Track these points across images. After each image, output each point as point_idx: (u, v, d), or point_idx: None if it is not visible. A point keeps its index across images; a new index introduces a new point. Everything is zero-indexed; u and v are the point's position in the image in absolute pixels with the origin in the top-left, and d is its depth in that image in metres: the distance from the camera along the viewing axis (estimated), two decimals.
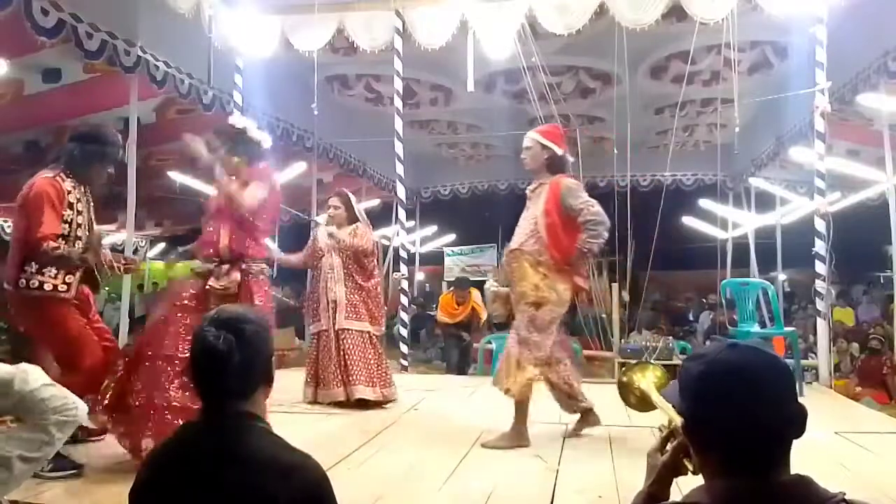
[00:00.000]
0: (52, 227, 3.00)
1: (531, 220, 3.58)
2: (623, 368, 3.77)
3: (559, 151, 3.61)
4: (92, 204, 3.27)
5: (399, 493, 2.78)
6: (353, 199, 4.89)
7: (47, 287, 3.06)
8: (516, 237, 3.63)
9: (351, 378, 4.45)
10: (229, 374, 1.48)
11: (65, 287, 3.10)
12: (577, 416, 3.69)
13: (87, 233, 3.19)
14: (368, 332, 4.61)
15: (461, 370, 7.99)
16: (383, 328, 4.88)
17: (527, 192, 3.77)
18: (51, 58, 5.41)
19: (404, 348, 6.42)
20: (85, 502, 2.60)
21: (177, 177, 8.14)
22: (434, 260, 14.36)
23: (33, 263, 3.04)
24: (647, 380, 3.25)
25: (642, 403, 3.32)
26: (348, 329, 4.54)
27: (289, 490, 1.39)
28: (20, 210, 3.10)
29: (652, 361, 3.95)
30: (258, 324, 1.57)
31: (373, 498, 2.66)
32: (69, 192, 3.10)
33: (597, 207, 3.42)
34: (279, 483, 1.40)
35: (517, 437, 3.45)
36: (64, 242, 3.05)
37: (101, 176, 3.27)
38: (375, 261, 4.85)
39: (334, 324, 4.54)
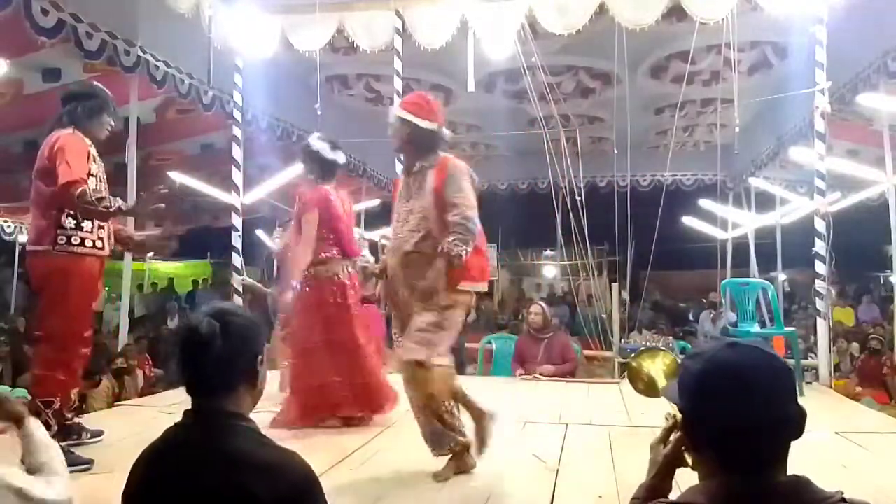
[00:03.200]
0: (82, 172, 2.95)
1: (419, 214, 2.95)
2: (633, 354, 3.74)
3: (423, 124, 2.95)
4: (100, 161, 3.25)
5: (399, 493, 2.78)
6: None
7: (87, 244, 3.04)
8: (404, 237, 2.97)
9: None
10: (208, 359, 1.49)
11: (101, 244, 3.10)
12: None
13: (106, 188, 3.20)
14: None
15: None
16: None
17: (399, 178, 3.17)
18: (51, 58, 5.41)
19: None
20: (85, 502, 2.59)
21: (177, 177, 8.13)
22: None
23: (70, 220, 3.00)
24: (657, 366, 3.25)
25: (650, 389, 3.31)
26: None
27: (272, 489, 1.39)
28: (45, 167, 3.02)
29: (662, 347, 3.90)
30: (248, 321, 1.58)
31: (373, 498, 2.66)
32: (89, 147, 3.09)
33: (472, 212, 2.85)
34: (261, 482, 1.39)
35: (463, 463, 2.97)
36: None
37: (104, 129, 3.27)
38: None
39: None
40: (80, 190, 2.87)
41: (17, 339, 9.18)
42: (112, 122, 3.35)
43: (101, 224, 3.12)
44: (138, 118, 5.74)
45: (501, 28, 5.78)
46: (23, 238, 12.20)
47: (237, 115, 6.29)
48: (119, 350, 6.38)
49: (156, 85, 5.60)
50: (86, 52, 4.84)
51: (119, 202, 3.09)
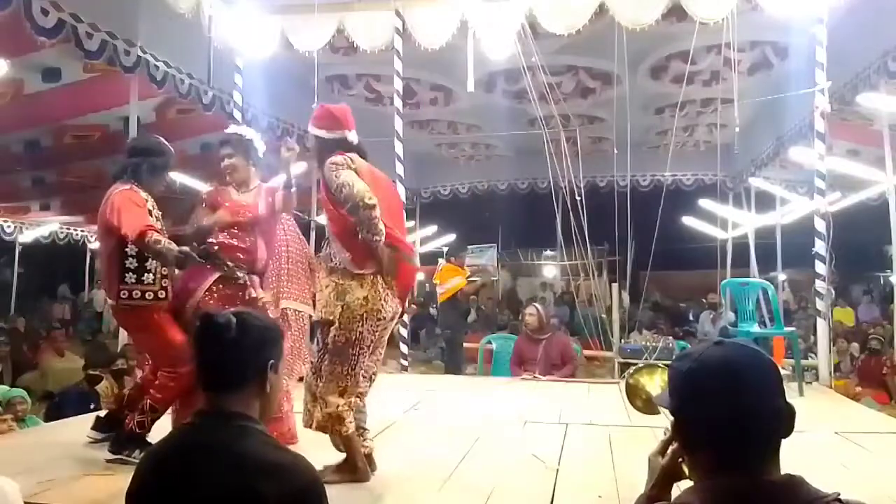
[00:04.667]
0: (145, 221, 3.04)
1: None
2: (631, 370, 3.72)
3: (327, 135, 2.98)
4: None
5: (399, 493, 2.78)
6: None
7: (149, 296, 3.15)
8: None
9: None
10: (223, 352, 1.53)
11: (164, 294, 3.20)
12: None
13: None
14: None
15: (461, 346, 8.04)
16: None
17: None
18: (51, 58, 5.41)
19: (404, 348, 6.42)
20: (85, 502, 2.60)
21: (177, 177, 8.14)
22: (434, 260, 14.38)
23: (131, 274, 3.12)
24: (654, 383, 3.22)
25: (649, 406, 3.30)
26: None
27: (278, 490, 1.39)
28: (106, 224, 3.12)
29: (660, 364, 3.86)
30: (267, 325, 1.64)
31: (372, 498, 2.67)
32: (146, 201, 3.19)
33: (352, 189, 2.70)
34: (268, 483, 1.40)
35: (350, 470, 2.84)
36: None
37: (162, 185, 3.39)
38: None
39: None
40: (152, 238, 2.96)
41: (17, 339, 9.20)
42: (169, 178, 3.50)
43: (164, 273, 3.21)
44: (138, 118, 5.73)
45: (501, 28, 5.78)
46: (23, 238, 12.21)
47: (237, 115, 6.29)
48: (119, 350, 6.38)
49: (156, 85, 5.59)
50: (86, 52, 4.83)
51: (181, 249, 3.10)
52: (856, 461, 3.21)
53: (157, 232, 3.04)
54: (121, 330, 6.49)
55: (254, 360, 1.56)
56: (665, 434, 1.41)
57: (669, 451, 1.36)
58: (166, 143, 3.42)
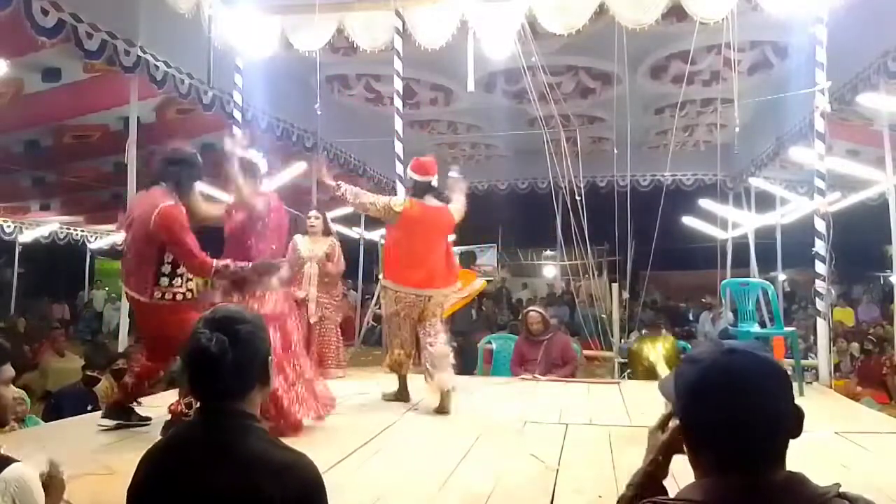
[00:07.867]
0: (204, 255, 3.43)
1: None
2: (635, 340, 3.74)
3: (413, 177, 4.49)
4: None
5: (399, 493, 2.78)
6: (327, 214, 6.06)
7: (179, 297, 3.47)
8: None
9: (325, 362, 5.65)
10: (222, 375, 1.47)
11: (190, 294, 3.53)
12: None
13: None
14: (337, 322, 5.94)
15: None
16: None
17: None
18: (51, 57, 5.42)
19: None
20: (86, 500, 2.59)
21: None
22: None
23: (165, 279, 3.45)
24: (657, 350, 3.23)
25: (648, 374, 3.31)
26: (320, 322, 5.78)
27: (282, 489, 1.39)
28: (151, 233, 3.38)
29: (663, 330, 3.85)
30: (253, 324, 1.56)
31: (373, 498, 2.66)
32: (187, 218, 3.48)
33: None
34: (272, 482, 1.39)
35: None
36: None
37: (191, 195, 3.64)
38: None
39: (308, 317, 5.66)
40: (215, 270, 3.48)
41: (17, 339, 9.19)
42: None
43: (190, 277, 3.56)
44: (138, 118, 5.73)
45: (501, 28, 5.78)
46: (23, 238, 12.20)
47: (237, 115, 6.29)
48: (121, 351, 6.37)
49: (156, 85, 5.60)
50: (86, 52, 4.84)
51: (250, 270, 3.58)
52: (856, 461, 3.21)
53: (218, 260, 3.48)
54: (121, 331, 6.48)
55: (256, 364, 1.54)
56: (665, 409, 1.40)
57: (669, 425, 1.36)
58: (198, 155, 3.68)
